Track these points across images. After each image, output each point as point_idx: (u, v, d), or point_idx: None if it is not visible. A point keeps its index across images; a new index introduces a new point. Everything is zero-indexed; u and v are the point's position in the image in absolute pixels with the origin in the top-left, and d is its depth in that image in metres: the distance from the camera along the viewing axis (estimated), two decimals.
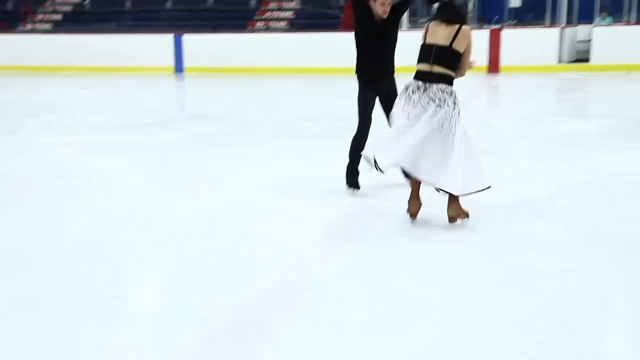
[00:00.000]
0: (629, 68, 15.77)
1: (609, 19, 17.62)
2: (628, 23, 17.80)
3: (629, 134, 8.01)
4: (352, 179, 5.37)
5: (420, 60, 4.43)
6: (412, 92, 4.38)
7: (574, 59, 16.96)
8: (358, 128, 5.28)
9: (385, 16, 4.96)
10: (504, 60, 16.62)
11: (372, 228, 4.61)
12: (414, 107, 4.37)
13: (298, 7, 22.81)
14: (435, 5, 4.46)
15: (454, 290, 3.44)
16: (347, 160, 5.36)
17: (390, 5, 4.92)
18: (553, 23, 18.33)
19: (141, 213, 5.06)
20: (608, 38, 16.15)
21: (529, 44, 16.60)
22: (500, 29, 17.02)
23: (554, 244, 4.12)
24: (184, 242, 4.31)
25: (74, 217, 4.97)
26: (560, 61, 16.59)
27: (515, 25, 18.48)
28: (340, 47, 18.13)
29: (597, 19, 17.59)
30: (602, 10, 17.84)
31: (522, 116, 9.97)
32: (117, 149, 7.79)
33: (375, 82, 5.20)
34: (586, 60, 16.37)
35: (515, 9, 19.01)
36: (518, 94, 13.42)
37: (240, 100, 13.17)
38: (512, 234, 4.35)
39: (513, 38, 16.69)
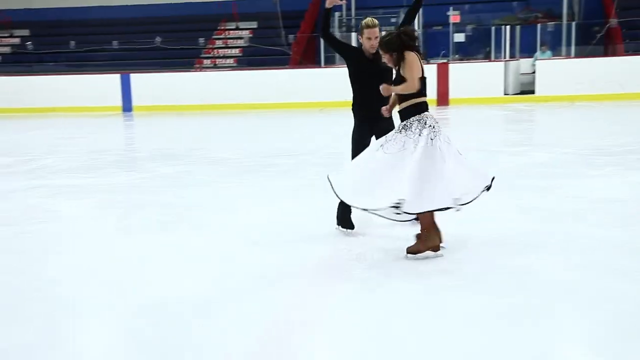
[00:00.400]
0: (572, 99, 16.35)
1: (548, 53, 18.28)
2: (568, 57, 18.50)
3: (592, 161, 8.23)
4: (345, 217, 5.20)
5: (425, 93, 4.59)
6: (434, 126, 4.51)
7: (518, 91, 17.48)
8: None
9: (373, 51, 4.94)
10: (453, 93, 16.99)
11: (364, 264, 4.56)
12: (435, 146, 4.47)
13: (245, 44, 22.88)
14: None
15: (451, 326, 3.40)
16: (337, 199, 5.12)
17: (378, 40, 4.84)
18: (497, 57, 18.90)
19: (115, 260, 4.88)
20: (551, 71, 16.75)
21: (476, 77, 17.04)
22: (447, 63, 17.42)
23: (557, 279, 4.14)
24: (165, 290, 4.15)
25: (43, 269, 4.74)
26: (506, 93, 17.07)
27: (461, 60, 18.98)
28: (290, 83, 18.39)
29: (537, 53, 18.22)
30: (542, 44, 18.49)
31: (482, 148, 10.12)
32: (82, 191, 7.55)
33: (371, 121, 5.03)
34: (531, 92, 16.90)
35: (460, 44, 19.53)
36: (473, 125, 13.69)
37: (197, 138, 13.01)
38: (508, 269, 4.33)
39: (460, 72, 17.10)
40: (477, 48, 19.91)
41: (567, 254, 4.56)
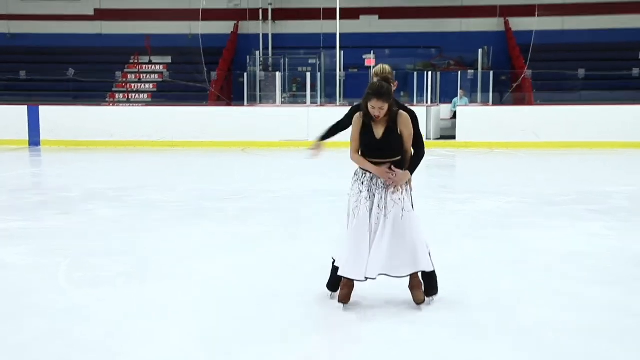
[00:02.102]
0: (491, 145, 16.87)
1: (465, 99, 18.87)
2: (486, 104, 19.17)
3: (541, 211, 8.35)
4: (336, 282, 4.77)
5: None
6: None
7: (439, 136, 17.86)
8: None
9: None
10: None
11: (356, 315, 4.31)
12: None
13: (159, 79, 22.27)
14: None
15: None
16: (331, 260, 4.83)
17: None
18: (419, 102, 19.31)
19: (82, 321, 4.41)
20: (470, 117, 17.24)
21: None
22: None
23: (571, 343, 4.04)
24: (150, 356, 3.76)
25: None
26: (427, 138, 17.37)
27: None
28: (211, 120, 17.95)
29: (456, 99, 18.75)
30: (460, 90, 19.06)
31: (427, 194, 10.14)
32: (15, 236, 6.86)
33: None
34: (451, 137, 17.30)
35: None
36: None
37: (122, 176, 12.33)
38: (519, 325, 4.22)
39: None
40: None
41: (569, 313, 4.48)
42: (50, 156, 16.31)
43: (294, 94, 21.14)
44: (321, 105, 19.30)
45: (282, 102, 19.76)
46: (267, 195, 9.75)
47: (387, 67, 4.67)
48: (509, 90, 19.86)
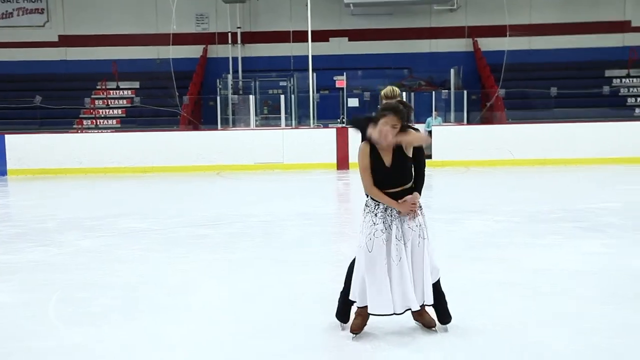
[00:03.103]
0: (467, 164, 16.90)
1: (439, 119, 18.93)
2: (460, 123, 19.25)
3: (531, 231, 8.27)
4: (344, 311, 4.60)
5: None
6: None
7: None
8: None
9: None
10: (353, 157, 17.01)
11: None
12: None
13: (128, 105, 21.92)
14: None
15: None
16: (340, 289, 4.67)
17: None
18: None
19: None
20: (445, 136, 17.27)
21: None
22: (345, 128, 17.50)
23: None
24: None
25: None
26: None
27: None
28: (182, 145, 17.64)
29: (430, 118, 18.80)
30: (433, 109, 19.13)
31: None
32: None
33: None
34: (428, 157, 17.26)
35: (354, 108, 19.83)
36: None
37: (96, 205, 11.96)
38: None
39: (359, 136, 17.17)
40: (370, 113, 20.29)
41: (585, 337, 4.37)
42: (19, 186, 15.82)
43: (266, 117, 20.98)
44: (295, 127, 19.16)
45: (256, 125, 19.58)
46: (250, 220, 9.53)
47: (397, 90, 4.53)
48: (482, 109, 19.99)
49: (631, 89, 21.57)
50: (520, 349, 4.17)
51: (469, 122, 19.34)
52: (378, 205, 4.31)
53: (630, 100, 21.11)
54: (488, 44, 22.77)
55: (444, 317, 4.52)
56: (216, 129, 19.82)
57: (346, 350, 4.26)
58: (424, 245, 4.31)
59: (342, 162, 17.02)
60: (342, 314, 4.59)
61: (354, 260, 4.52)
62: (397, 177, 4.29)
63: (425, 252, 4.30)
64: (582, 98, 20.33)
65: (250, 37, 23.89)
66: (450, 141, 17.22)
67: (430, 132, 17.88)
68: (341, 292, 4.63)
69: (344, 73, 20.56)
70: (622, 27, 23.63)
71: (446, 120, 19.40)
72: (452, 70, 20.56)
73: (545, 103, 20.12)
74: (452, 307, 4.62)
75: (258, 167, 17.12)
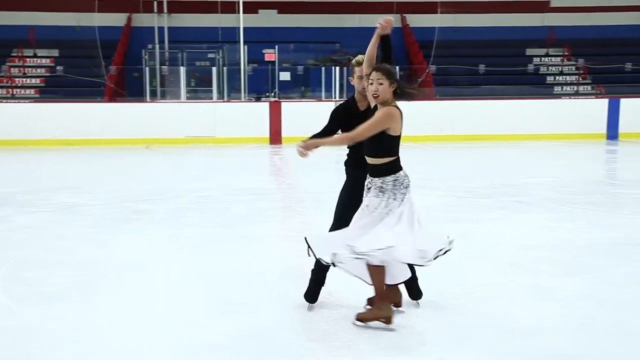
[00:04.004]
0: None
1: None
2: None
3: (476, 205, 8.46)
4: (315, 291, 4.49)
5: None
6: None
7: None
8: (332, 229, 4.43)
9: (364, 92, 4.27)
10: (285, 132, 16.88)
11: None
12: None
13: (47, 74, 20.91)
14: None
15: None
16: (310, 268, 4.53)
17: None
18: (326, 97, 19.28)
19: (38, 346, 3.98)
20: None
21: (308, 116, 17.09)
22: (279, 101, 17.33)
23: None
24: None
25: None
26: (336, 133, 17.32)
27: (288, 98, 19.03)
28: (112, 117, 16.99)
29: None
30: None
31: None
32: None
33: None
34: None
35: (285, 82, 19.66)
36: (327, 166, 13.76)
37: (24, 179, 11.40)
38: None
39: (292, 110, 17.08)
40: (301, 87, 20.22)
41: (548, 306, 4.49)
42: None
43: (194, 89, 20.48)
44: (228, 101, 18.83)
45: (186, 98, 19.11)
46: (192, 195, 9.31)
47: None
48: (417, 85, 20.18)
49: (550, 68, 22.31)
50: (498, 323, 4.24)
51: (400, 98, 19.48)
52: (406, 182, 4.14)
53: (550, 79, 21.82)
54: (416, 20, 23.00)
55: (416, 293, 4.52)
56: (145, 101, 19.19)
57: (330, 324, 4.21)
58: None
59: (275, 137, 16.86)
60: (310, 293, 4.49)
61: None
62: (368, 147, 4.14)
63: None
64: (506, 75, 20.87)
65: (177, 7, 23.18)
66: None
67: None
68: (313, 271, 4.50)
69: (276, 46, 20.29)
70: (542, 7, 24.36)
71: None
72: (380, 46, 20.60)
73: (472, 80, 20.53)
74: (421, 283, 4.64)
75: (189, 141, 16.73)
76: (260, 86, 20.31)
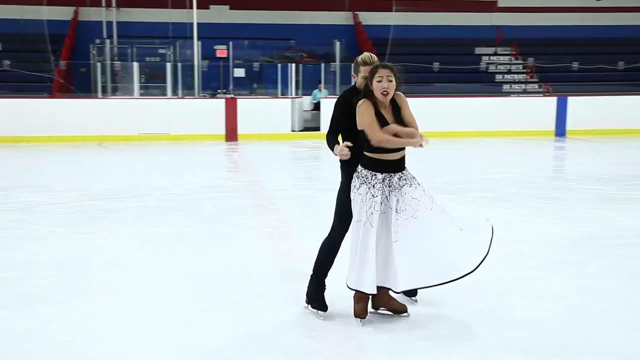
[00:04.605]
0: None
1: (325, 91, 19.03)
2: None
3: (452, 199, 8.54)
4: (319, 297, 4.30)
5: None
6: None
7: (302, 128, 17.85)
8: (332, 233, 4.30)
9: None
10: (241, 129, 16.75)
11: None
12: None
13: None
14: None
15: None
16: (309, 274, 4.40)
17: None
18: (283, 93, 19.19)
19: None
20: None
21: (264, 113, 17.05)
22: (235, 98, 17.17)
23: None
24: None
25: None
26: (292, 130, 17.32)
27: (242, 95, 18.87)
28: (59, 113, 16.49)
29: (316, 91, 18.85)
30: (318, 82, 19.18)
31: (326, 187, 10.12)
32: None
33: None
34: (316, 129, 17.35)
35: (240, 79, 19.51)
36: (299, 162, 13.80)
37: None
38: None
39: (248, 107, 16.95)
40: (249, 84, 20.12)
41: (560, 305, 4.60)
42: None
43: (145, 85, 20.09)
44: (182, 97, 18.55)
45: (141, 94, 18.74)
46: (158, 193, 9.15)
47: (374, 56, 4.26)
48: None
49: (499, 67, 22.80)
50: (487, 314, 4.33)
51: None
52: (375, 175, 4.03)
53: (499, 77, 22.30)
54: (369, 18, 23.14)
55: (412, 290, 4.51)
56: (97, 97, 18.73)
57: (327, 321, 4.20)
58: (443, 205, 4.13)
59: (231, 134, 16.70)
60: (319, 301, 4.29)
61: (328, 242, 4.30)
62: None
63: (448, 210, 4.11)
64: (458, 74, 21.23)
65: (126, 1, 22.71)
66: None
67: (317, 105, 17.96)
68: (312, 276, 4.37)
69: (230, 42, 20.11)
70: (490, 6, 24.88)
71: (332, 93, 19.53)
72: (338, 43, 20.70)
73: (426, 78, 20.78)
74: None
75: (143, 138, 16.42)
76: (213, 83, 20.10)
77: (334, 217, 4.33)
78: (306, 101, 18.50)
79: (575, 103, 18.07)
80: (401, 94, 4.23)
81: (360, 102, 4.06)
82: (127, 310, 4.43)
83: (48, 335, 3.98)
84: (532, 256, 5.79)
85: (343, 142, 4.10)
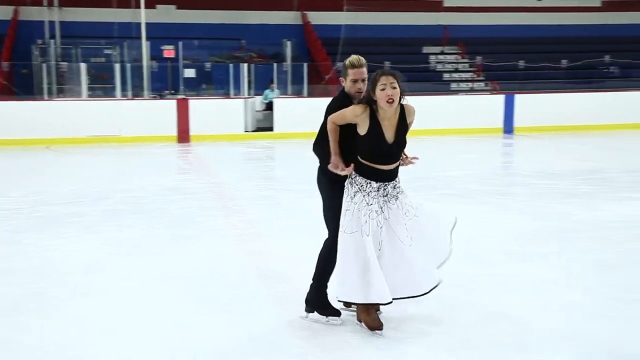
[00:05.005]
0: (308, 136, 17.14)
1: (277, 91, 18.99)
2: (300, 95, 19.45)
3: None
4: (327, 304, 4.18)
5: None
6: None
7: (255, 128, 17.75)
8: (331, 240, 4.13)
9: (360, 96, 4.07)
10: (194, 129, 16.55)
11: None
12: None
13: None
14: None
15: None
16: (309, 282, 4.26)
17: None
18: (235, 94, 19.04)
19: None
20: (287, 109, 17.35)
21: (217, 114, 16.88)
22: (186, 99, 16.95)
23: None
24: None
25: None
26: (245, 130, 17.21)
27: (193, 96, 18.66)
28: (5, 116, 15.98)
29: (267, 91, 18.78)
30: (270, 82, 19.12)
31: (287, 187, 10.11)
32: None
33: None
34: (268, 129, 17.28)
35: (190, 79, 19.28)
36: (256, 162, 13.70)
37: None
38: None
39: (200, 107, 16.76)
40: (204, 84, 19.91)
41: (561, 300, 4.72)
42: None
43: (92, 87, 19.64)
44: (132, 98, 18.20)
45: (89, 96, 18.31)
46: (118, 196, 8.97)
47: (362, 59, 4.19)
48: (321, 82, 20.34)
49: (446, 65, 23.20)
50: (480, 310, 4.41)
51: (309, 95, 19.54)
52: (370, 183, 3.93)
53: (446, 76, 22.69)
54: (317, 17, 23.20)
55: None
56: (42, 98, 18.21)
57: (316, 322, 4.20)
58: (424, 213, 4.09)
59: (183, 135, 16.48)
60: (329, 307, 4.15)
61: (327, 250, 4.13)
62: (395, 155, 4.03)
63: (429, 219, 4.07)
64: (407, 72, 21.41)
65: (68, 0, 22.16)
66: (291, 114, 17.23)
67: (269, 105, 17.89)
68: (313, 286, 4.21)
69: (180, 43, 19.84)
70: (437, 6, 25.30)
71: (284, 92, 19.51)
72: (288, 43, 20.68)
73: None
74: None
75: (92, 140, 16.03)
76: (162, 83, 19.81)
77: (328, 225, 4.18)
78: (258, 101, 18.41)
79: (522, 101, 18.50)
80: (412, 108, 4.10)
81: (356, 106, 3.97)
82: (112, 315, 4.36)
83: (27, 346, 3.86)
84: (499, 252, 5.94)
85: (345, 163, 3.99)
